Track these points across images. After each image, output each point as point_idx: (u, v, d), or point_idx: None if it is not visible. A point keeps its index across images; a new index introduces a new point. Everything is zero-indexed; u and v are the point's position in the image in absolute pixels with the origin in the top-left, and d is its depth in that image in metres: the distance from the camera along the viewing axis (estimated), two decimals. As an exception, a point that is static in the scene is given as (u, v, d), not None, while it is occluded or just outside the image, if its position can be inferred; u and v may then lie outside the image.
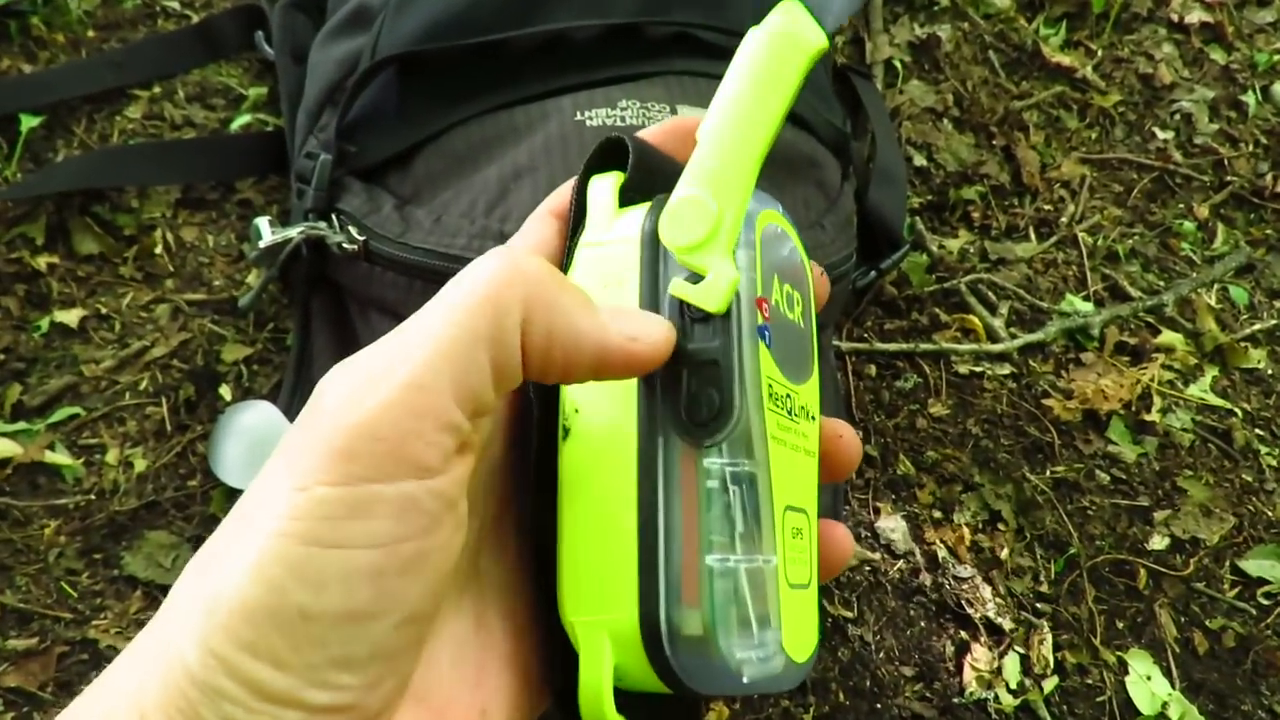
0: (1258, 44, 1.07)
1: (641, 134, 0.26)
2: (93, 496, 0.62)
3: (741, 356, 0.21)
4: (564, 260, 0.25)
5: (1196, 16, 1.06)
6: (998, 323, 0.82)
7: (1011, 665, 0.67)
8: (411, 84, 0.59)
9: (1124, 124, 0.99)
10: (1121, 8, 1.04)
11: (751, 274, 0.22)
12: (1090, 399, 0.80)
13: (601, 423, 0.22)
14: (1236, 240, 0.95)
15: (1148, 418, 0.81)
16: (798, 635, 0.22)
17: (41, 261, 0.68)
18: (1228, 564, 0.75)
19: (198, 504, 0.63)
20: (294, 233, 0.57)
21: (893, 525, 0.72)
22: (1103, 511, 0.76)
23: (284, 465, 0.19)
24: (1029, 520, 0.74)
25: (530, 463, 0.24)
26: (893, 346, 0.79)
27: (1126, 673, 0.69)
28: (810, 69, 0.23)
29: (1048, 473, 0.77)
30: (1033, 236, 0.90)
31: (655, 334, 0.21)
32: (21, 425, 0.63)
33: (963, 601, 0.69)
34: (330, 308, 0.63)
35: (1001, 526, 0.74)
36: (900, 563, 0.71)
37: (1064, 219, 0.92)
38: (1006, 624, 0.69)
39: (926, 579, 0.70)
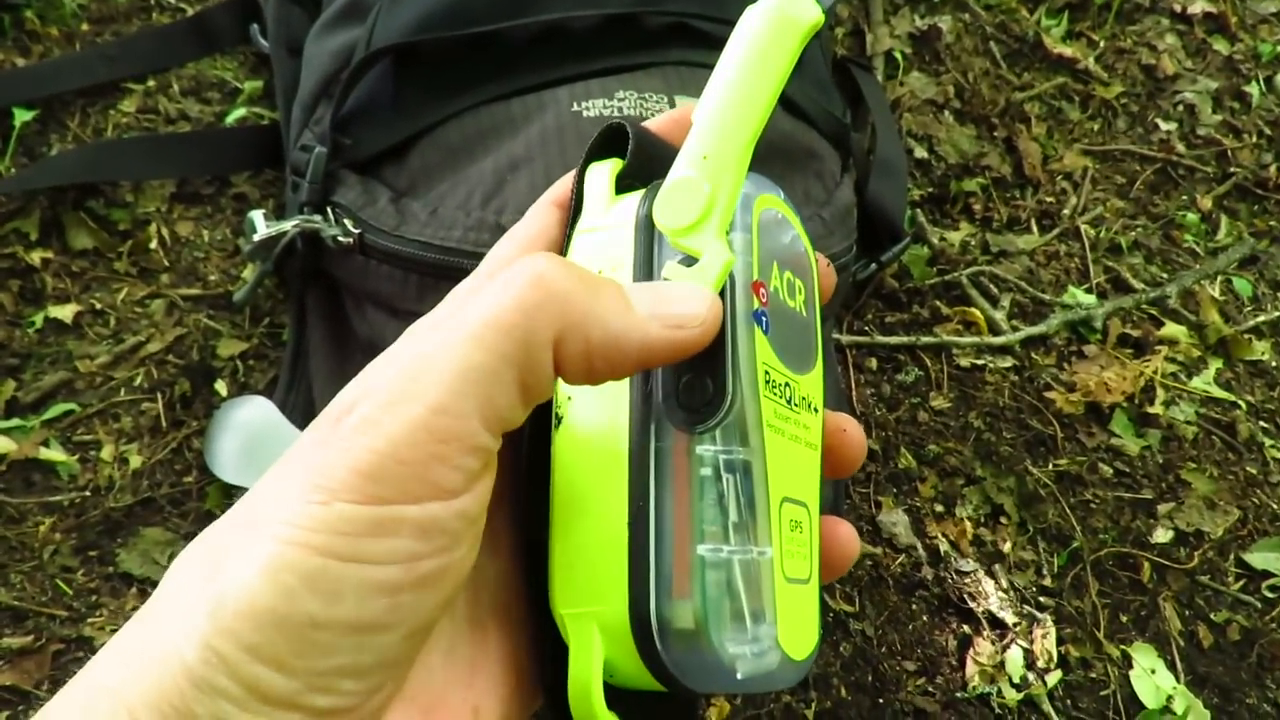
0: (1261, 34, 1.06)
1: (646, 124, 0.25)
2: (88, 493, 0.62)
3: (735, 340, 0.21)
4: (562, 248, 0.24)
5: (1199, 7, 1.05)
6: (999, 315, 0.82)
7: (1015, 659, 0.67)
8: (407, 76, 0.58)
9: (1126, 115, 0.99)
10: (1123, -2, 1.04)
11: (747, 257, 0.22)
12: (1093, 391, 0.79)
13: (594, 410, 0.22)
14: (1240, 232, 0.94)
15: (1151, 410, 0.80)
16: (796, 632, 0.22)
17: (35, 256, 0.68)
18: (1232, 557, 0.75)
19: (193, 500, 0.63)
20: (289, 226, 0.57)
21: (894, 519, 0.71)
22: (1106, 505, 0.75)
23: (301, 476, 0.19)
24: (1031, 514, 0.74)
25: (522, 453, 0.23)
26: (894, 339, 0.79)
27: (1131, 666, 0.68)
28: (805, 44, 0.23)
29: (1050, 466, 0.76)
30: (1035, 228, 0.90)
31: (699, 314, 0.20)
32: (16, 421, 0.63)
33: (965, 595, 0.69)
34: (326, 302, 0.62)
35: (1004, 520, 0.73)
36: (902, 557, 0.70)
37: (1066, 211, 0.91)
38: (1009, 618, 0.68)
39: (929, 573, 0.70)
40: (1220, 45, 1.05)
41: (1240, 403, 0.82)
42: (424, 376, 0.19)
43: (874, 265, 0.75)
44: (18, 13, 0.76)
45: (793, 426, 0.22)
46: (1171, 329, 0.85)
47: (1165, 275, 0.89)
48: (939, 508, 0.73)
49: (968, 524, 0.72)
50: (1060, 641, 0.69)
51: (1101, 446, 0.78)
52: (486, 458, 0.19)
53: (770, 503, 0.21)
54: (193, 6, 0.81)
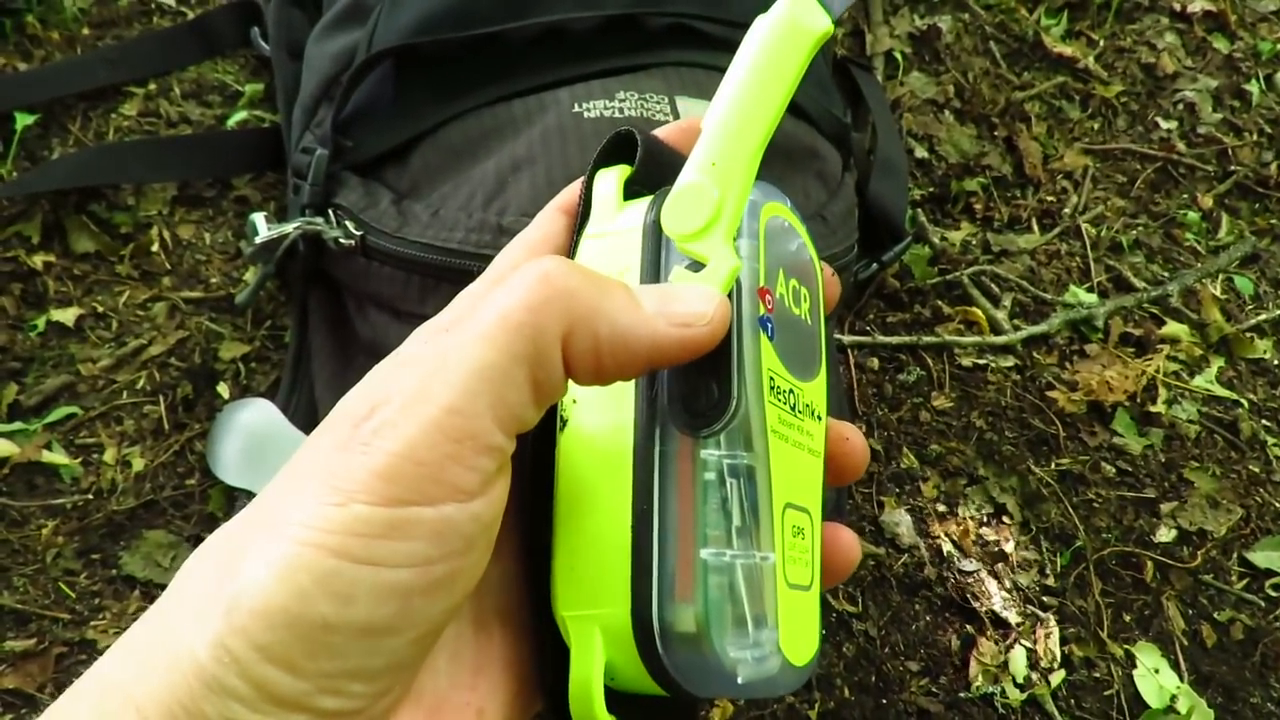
0: (1261, 32, 1.06)
1: (656, 132, 0.26)
2: (90, 496, 0.62)
3: (741, 346, 0.21)
4: (569, 254, 0.24)
5: (1199, 5, 1.05)
6: (1001, 315, 0.82)
7: (1018, 659, 0.67)
8: (408, 77, 0.58)
9: (1127, 114, 0.99)
10: (1123, -3, 1.04)
11: (754, 264, 0.22)
12: (1095, 391, 0.79)
13: (598, 413, 0.22)
14: (1241, 230, 0.94)
15: (1153, 409, 0.80)
16: (797, 637, 0.22)
17: (38, 260, 0.68)
18: (1235, 556, 0.75)
19: (196, 503, 0.63)
20: (290, 228, 0.57)
21: (897, 519, 0.71)
22: (1109, 504, 0.75)
23: (319, 478, 0.19)
24: (1034, 513, 0.74)
25: (527, 455, 0.23)
26: (895, 339, 0.79)
27: (1134, 666, 0.68)
28: (814, 55, 0.23)
29: (1053, 465, 0.76)
30: (1035, 228, 0.90)
31: (706, 313, 0.20)
32: (18, 425, 0.63)
33: (968, 595, 0.69)
34: (328, 304, 0.62)
35: (1006, 520, 0.73)
36: (905, 557, 0.70)
37: (1067, 210, 0.91)
38: (1013, 618, 0.68)
39: (931, 573, 0.70)
40: (1220, 43, 1.05)
41: (1242, 401, 0.82)
42: (437, 378, 0.19)
43: (875, 265, 0.75)
44: (19, 17, 0.76)
45: (796, 433, 0.22)
46: (1173, 328, 0.85)
47: (1167, 274, 0.89)
48: (941, 507, 0.73)
49: (970, 524, 0.72)
50: (1064, 641, 0.68)
51: (1104, 445, 0.78)
52: (501, 459, 0.19)
53: (774, 508, 0.21)
54: (193, 10, 0.82)
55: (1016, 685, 0.66)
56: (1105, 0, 1.03)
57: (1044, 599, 0.70)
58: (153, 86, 0.77)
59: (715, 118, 0.23)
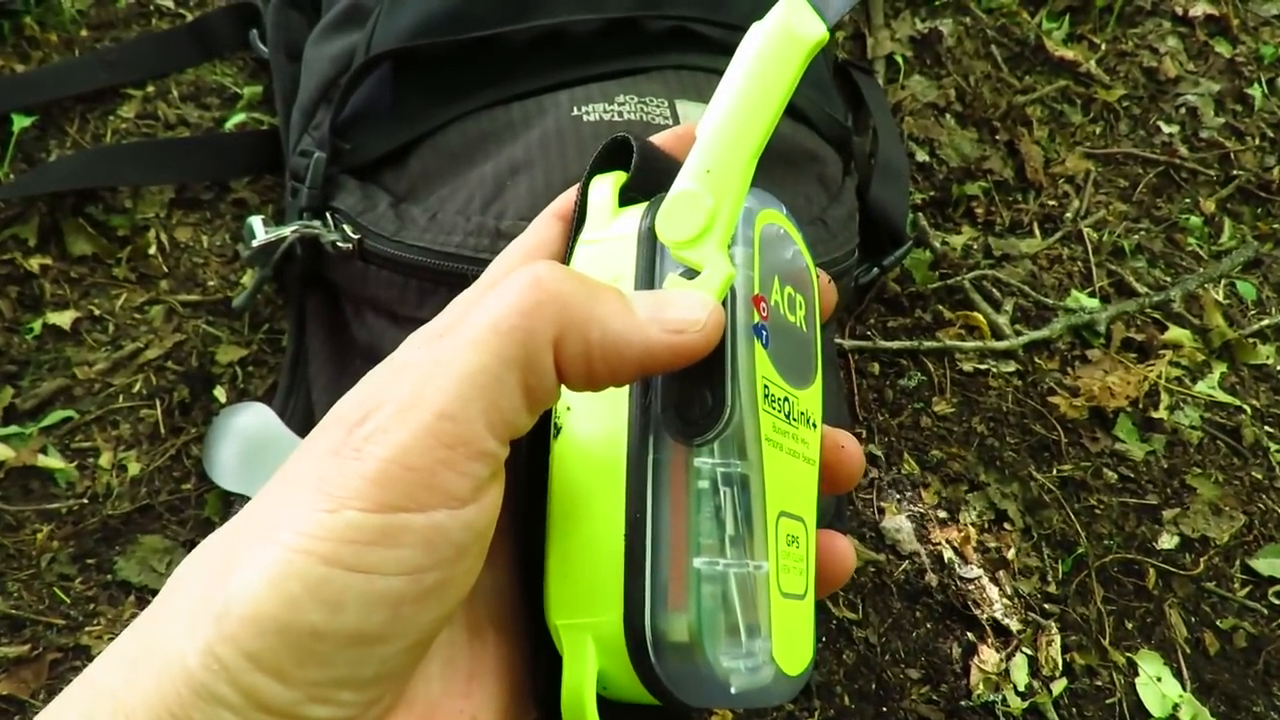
0: (1263, 36, 1.06)
1: (653, 138, 0.26)
2: (86, 500, 0.61)
3: (735, 353, 0.21)
4: (564, 260, 0.24)
5: (1201, 9, 1.05)
6: (1002, 320, 0.81)
7: (1019, 667, 0.66)
8: (407, 80, 0.58)
9: (1128, 118, 0.98)
10: (1125, 1, 1.03)
11: (749, 271, 0.22)
12: (1097, 396, 0.79)
13: (592, 421, 0.22)
14: (1244, 235, 0.94)
15: (1155, 415, 0.80)
16: (790, 647, 0.21)
17: (34, 263, 0.68)
18: (1238, 563, 0.74)
19: (192, 508, 0.62)
20: (288, 231, 0.56)
21: (897, 525, 0.71)
22: (1111, 510, 0.75)
23: (310, 481, 0.19)
24: (1036, 519, 0.73)
25: (521, 462, 0.23)
26: (896, 344, 0.78)
27: (1136, 674, 0.68)
28: (810, 61, 0.23)
29: (1054, 471, 0.76)
30: (1037, 232, 0.89)
31: (700, 319, 0.20)
32: (14, 429, 0.62)
33: (969, 602, 0.68)
34: (325, 308, 0.62)
35: (1008, 526, 0.73)
36: (905, 563, 0.70)
37: (1069, 214, 0.91)
38: (1014, 625, 0.68)
39: (932, 579, 0.69)
40: (1222, 47, 1.04)
41: (1245, 407, 0.82)
42: (430, 384, 0.19)
43: (876, 269, 0.75)
44: (17, 19, 0.76)
45: (791, 441, 0.22)
46: (1175, 333, 0.85)
47: (1169, 279, 0.89)
48: (942, 514, 0.72)
49: (971, 530, 0.72)
50: (1065, 649, 0.68)
51: (1106, 451, 0.78)
52: (494, 465, 0.19)
53: (767, 517, 0.21)
54: (192, 12, 0.81)
55: (1018, 693, 0.65)
56: (1107, 4, 1.03)
57: (1045, 606, 0.70)
58: (151, 89, 0.77)
59: (710, 125, 0.23)
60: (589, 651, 0.20)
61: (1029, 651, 0.67)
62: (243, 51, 0.80)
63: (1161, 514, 0.75)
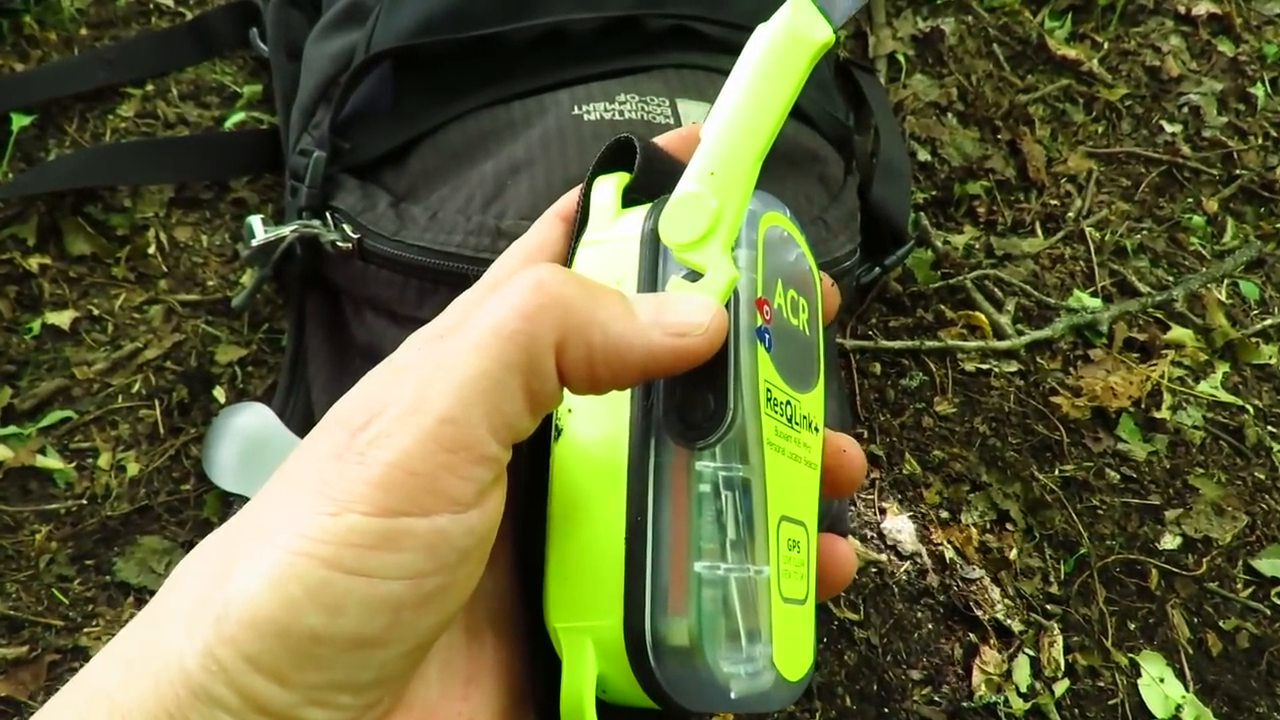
0: (1266, 35, 1.05)
1: (657, 139, 0.25)
2: (84, 501, 0.61)
3: (738, 357, 0.21)
4: (566, 262, 0.24)
5: (1204, 8, 1.05)
6: (1004, 319, 0.81)
7: (1021, 668, 0.66)
8: (407, 79, 0.58)
9: (1131, 117, 0.98)
10: (1127, 0, 1.03)
11: (752, 274, 0.22)
12: (1099, 396, 0.79)
13: (593, 424, 0.22)
14: (1246, 234, 0.93)
15: (1158, 415, 0.79)
16: (791, 652, 0.21)
17: (33, 262, 0.67)
18: (1241, 563, 0.74)
19: (191, 508, 0.62)
20: (287, 231, 0.56)
21: (899, 526, 0.71)
22: (1113, 511, 0.75)
23: (312, 484, 0.19)
24: (1038, 520, 0.73)
25: (522, 464, 0.23)
26: (898, 344, 0.78)
27: (1139, 675, 0.67)
28: (816, 64, 0.23)
29: (1056, 471, 0.76)
30: (1039, 232, 0.89)
31: (703, 322, 0.20)
32: (12, 429, 0.62)
33: (971, 603, 0.68)
34: (325, 307, 0.61)
35: (1010, 526, 0.72)
36: (907, 564, 0.69)
37: (1071, 214, 0.90)
38: (1016, 626, 0.67)
39: (934, 580, 0.69)
40: (1225, 47, 1.04)
41: (1248, 407, 0.82)
42: (431, 388, 0.19)
43: (878, 269, 0.74)
44: (16, 17, 0.76)
45: (793, 445, 0.22)
46: (1178, 333, 0.84)
47: (1171, 278, 0.89)
48: (944, 514, 0.72)
49: (973, 530, 0.71)
50: (1068, 650, 0.68)
51: (1108, 452, 0.77)
52: (496, 469, 0.19)
53: (769, 521, 0.21)
54: (191, 11, 0.81)
55: (1020, 694, 0.65)
56: (1109, 3, 1.03)
57: (1048, 607, 0.69)
58: (150, 87, 0.77)
59: (715, 127, 0.22)
60: (588, 655, 0.20)
61: (1031, 652, 0.67)
62: (242, 50, 0.80)
63: (1164, 514, 0.75)
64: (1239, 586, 0.73)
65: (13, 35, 0.75)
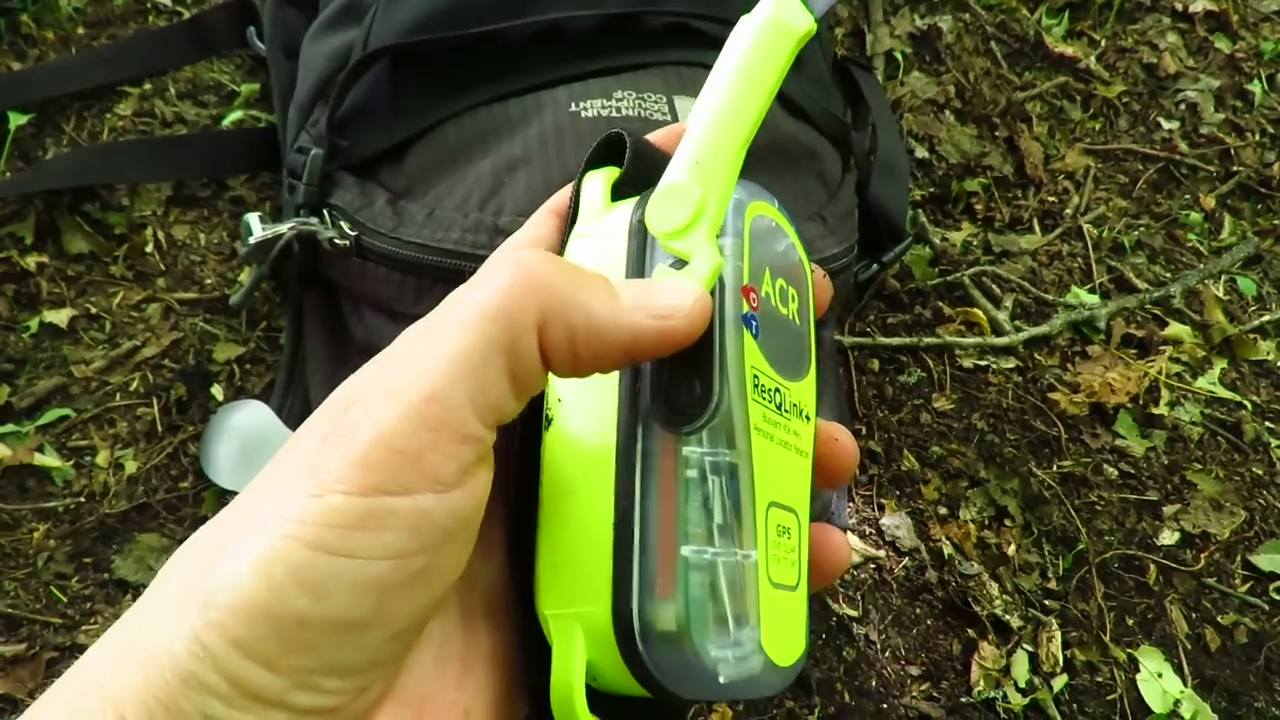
0: (1263, 32, 1.06)
1: (649, 136, 0.26)
2: (82, 499, 0.61)
3: (723, 342, 0.21)
4: (559, 254, 0.24)
5: (1201, 5, 1.05)
6: (1002, 316, 0.81)
7: (1020, 663, 0.66)
8: (404, 77, 0.58)
9: (1128, 114, 0.98)
10: (1124, -3, 1.03)
11: (738, 262, 0.22)
12: (1097, 392, 0.79)
13: (582, 411, 0.22)
14: (1244, 231, 0.93)
15: (1156, 411, 0.79)
16: (781, 638, 0.21)
17: (31, 261, 0.67)
18: (1239, 558, 0.74)
19: (189, 506, 0.62)
20: (285, 229, 0.56)
21: (897, 522, 0.71)
22: (1111, 506, 0.75)
23: (298, 468, 0.19)
24: (1036, 516, 0.73)
25: (514, 453, 0.23)
26: (896, 340, 0.78)
27: (1137, 670, 0.68)
28: (798, 52, 0.23)
29: (1054, 467, 0.76)
30: (1037, 228, 0.89)
31: (685, 305, 0.20)
32: (10, 427, 0.62)
33: (969, 599, 0.68)
34: (323, 305, 0.61)
35: (1008, 522, 0.72)
36: (906, 560, 0.69)
37: (1068, 210, 0.90)
38: (1014, 621, 0.68)
39: (932, 576, 0.69)
40: (1222, 43, 1.04)
41: (1245, 403, 0.82)
42: (415, 368, 0.19)
43: (876, 266, 0.74)
44: (13, 16, 0.76)
45: (782, 432, 0.22)
46: (1176, 329, 0.85)
47: (1169, 275, 0.89)
48: (943, 510, 0.72)
49: (971, 526, 0.71)
50: (1066, 645, 0.68)
51: (1106, 448, 0.77)
52: (480, 449, 0.19)
53: (756, 507, 0.21)
54: (189, 9, 0.81)
55: (1018, 690, 0.65)
56: (1106, 0, 1.03)
57: (1046, 602, 0.70)
58: (148, 86, 0.77)
59: (699, 118, 0.23)
60: (578, 641, 0.20)
61: (1029, 648, 0.67)
62: (240, 49, 0.80)
63: (1162, 510, 0.75)
64: (1237, 582, 0.73)
65: (10, 34, 0.75)
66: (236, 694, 0.18)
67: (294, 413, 0.61)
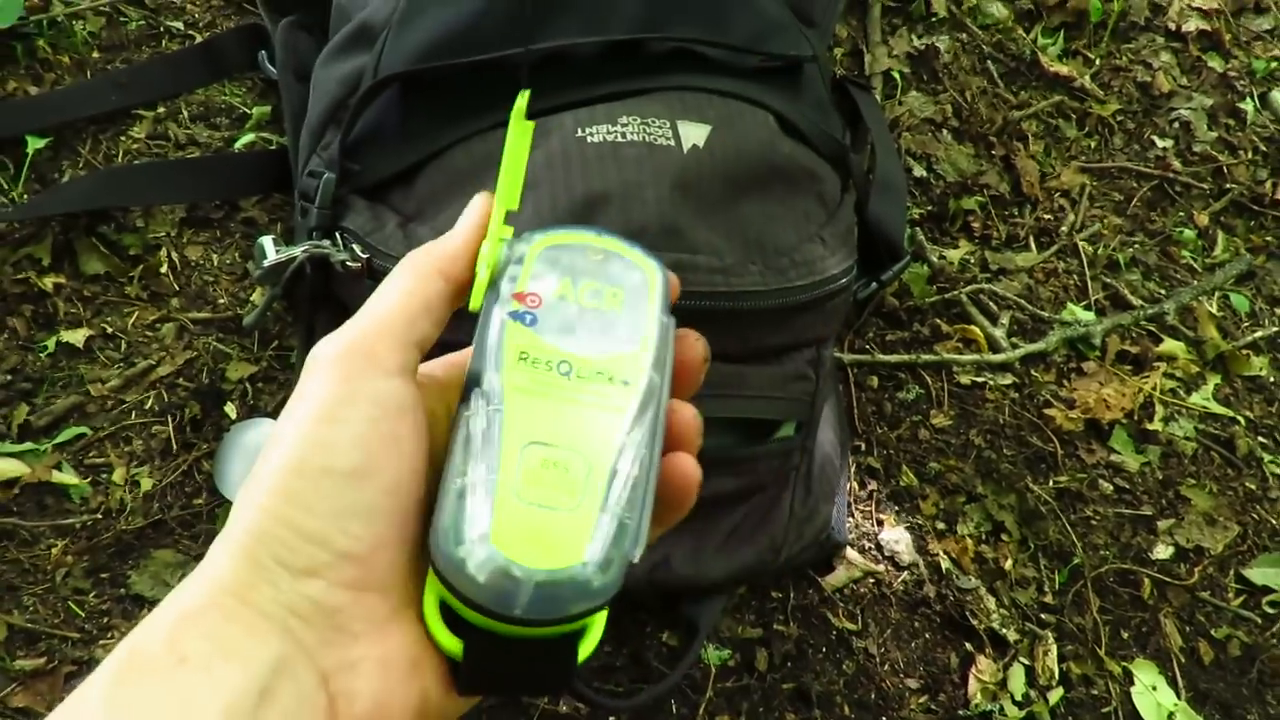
0: (1255, 51, 1.07)
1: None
2: (99, 516, 0.62)
3: (485, 335, 0.28)
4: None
5: (1194, 24, 1.06)
6: (999, 333, 0.83)
7: (1016, 677, 0.67)
8: (414, 102, 0.59)
9: (1123, 133, 1.00)
10: (1119, 17, 1.05)
11: (514, 281, 0.29)
12: (1092, 408, 0.80)
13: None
14: (1237, 248, 0.95)
15: (1150, 426, 0.81)
16: (535, 545, 0.25)
17: (48, 282, 0.69)
18: (1232, 573, 0.75)
19: (204, 522, 0.63)
20: (298, 251, 0.58)
21: (896, 537, 0.72)
22: (1106, 521, 0.76)
23: (309, 378, 0.27)
24: (1032, 531, 0.74)
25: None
26: (894, 358, 0.79)
27: (1132, 683, 0.69)
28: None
29: (1050, 483, 0.77)
30: (1033, 246, 0.91)
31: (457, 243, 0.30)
32: (28, 445, 0.64)
33: (967, 613, 0.69)
34: (334, 325, 0.62)
35: (1005, 537, 0.74)
36: (904, 574, 0.71)
37: (1064, 228, 0.92)
38: (1011, 635, 0.69)
39: (930, 590, 0.70)
40: (1215, 62, 1.06)
41: (1239, 418, 0.83)
42: (367, 309, 0.28)
43: (874, 284, 0.75)
44: (30, 41, 0.78)
45: (570, 390, 0.28)
46: (1170, 345, 0.86)
47: (1163, 292, 0.90)
48: (940, 525, 0.74)
49: (969, 541, 0.73)
50: (1062, 659, 0.69)
51: (1101, 463, 0.79)
52: (410, 354, 0.28)
53: (504, 442, 0.26)
54: (201, 34, 0.83)
55: (1015, 703, 0.66)
56: (1101, 20, 1.04)
57: (1042, 616, 0.71)
58: (161, 109, 0.78)
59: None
60: (432, 580, 0.26)
61: (1026, 661, 0.68)
62: (252, 72, 0.81)
63: (1156, 524, 0.77)
64: (1230, 595, 0.74)
65: (27, 59, 0.77)
66: (292, 534, 0.24)
67: (306, 431, 0.62)
